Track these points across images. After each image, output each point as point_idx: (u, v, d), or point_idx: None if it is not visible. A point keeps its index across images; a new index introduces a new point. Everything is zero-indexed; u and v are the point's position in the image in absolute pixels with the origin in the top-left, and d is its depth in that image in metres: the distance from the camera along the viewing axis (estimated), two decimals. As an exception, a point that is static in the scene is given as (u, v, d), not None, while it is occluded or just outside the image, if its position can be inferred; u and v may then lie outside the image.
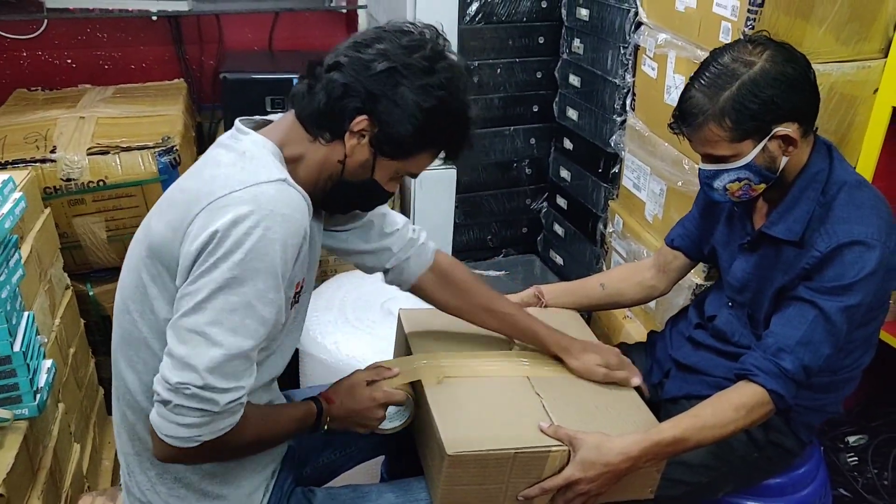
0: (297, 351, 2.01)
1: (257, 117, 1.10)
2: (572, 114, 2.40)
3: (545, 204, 2.73)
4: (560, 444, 1.10)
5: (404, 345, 1.33)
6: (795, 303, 1.16)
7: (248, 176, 0.95)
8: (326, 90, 1.00)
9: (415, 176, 1.10)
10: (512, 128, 2.59)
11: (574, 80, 2.37)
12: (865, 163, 1.55)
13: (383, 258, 1.26)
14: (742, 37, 1.42)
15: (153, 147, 1.95)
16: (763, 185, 1.20)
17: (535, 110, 2.58)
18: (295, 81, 2.31)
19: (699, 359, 1.37)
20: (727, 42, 1.45)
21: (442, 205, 2.45)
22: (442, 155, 1.09)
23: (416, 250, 1.28)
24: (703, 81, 1.15)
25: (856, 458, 1.73)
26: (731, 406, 1.15)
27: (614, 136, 2.12)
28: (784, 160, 1.18)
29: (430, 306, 1.33)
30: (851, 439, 1.77)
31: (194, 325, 0.92)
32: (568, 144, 2.47)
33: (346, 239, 1.24)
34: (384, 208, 1.26)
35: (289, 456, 1.19)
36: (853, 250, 1.12)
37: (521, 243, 2.84)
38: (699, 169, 1.23)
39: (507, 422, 1.13)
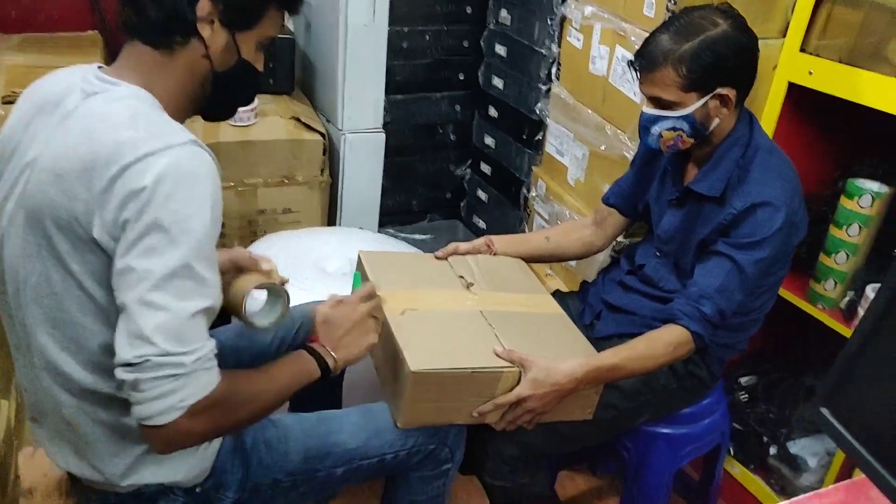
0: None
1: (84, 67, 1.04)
2: (497, 82, 2.50)
3: (468, 170, 2.84)
4: (511, 365, 1.22)
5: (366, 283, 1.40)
6: (714, 256, 1.32)
7: (157, 139, 0.91)
8: None
9: (273, 41, 1.09)
10: (438, 94, 2.67)
11: (500, 49, 2.46)
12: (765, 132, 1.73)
13: None
14: (666, 10, 1.57)
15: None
16: (692, 140, 1.34)
17: (461, 78, 2.66)
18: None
19: (629, 301, 1.52)
20: (650, 15, 1.58)
21: (370, 168, 2.49)
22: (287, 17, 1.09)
23: None
24: (671, 29, 1.28)
25: (747, 396, 1.94)
26: (661, 342, 1.30)
27: (539, 104, 2.24)
28: (716, 121, 1.32)
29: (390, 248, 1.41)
30: (743, 380, 1.98)
31: (137, 298, 0.88)
32: (493, 112, 2.58)
33: None
34: None
35: None
36: (764, 210, 1.28)
37: (445, 208, 2.94)
38: (641, 112, 1.36)
39: (463, 346, 1.24)
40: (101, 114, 0.95)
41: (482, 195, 2.73)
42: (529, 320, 1.37)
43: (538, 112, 2.25)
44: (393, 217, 2.80)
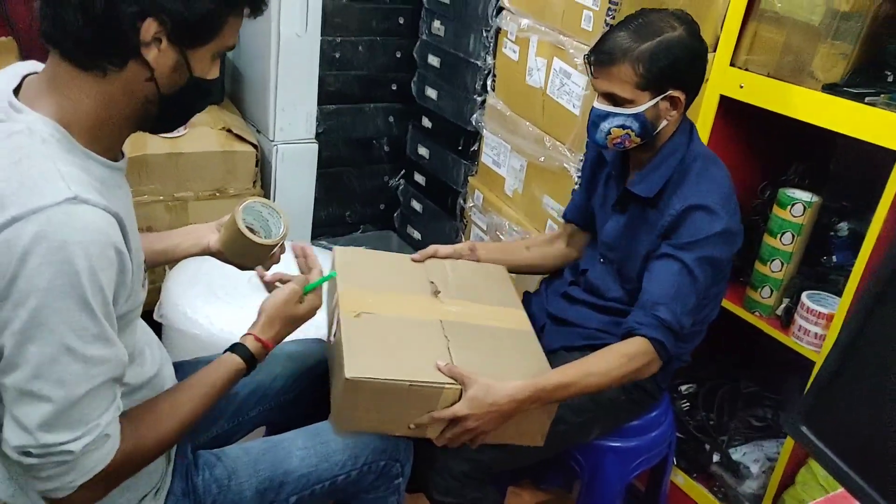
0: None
1: (21, 68, 0.89)
2: (431, 93, 2.47)
3: (402, 181, 2.79)
4: (454, 383, 1.17)
5: (333, 283, 1.34)
6: (659, 260, 1.32)
7: (27, 197, 0.77)
8: (82, 7, 0.79)
9: (233, 47, 0.94)
10: (371, 105, 2.62)
11: (433, 60, 2.43)
12: (699, 143, 1.77)
13: None
14: (604, 25, 1.57)
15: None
16: (639, 140, 1.34)
17: (394, 89, 2.62)
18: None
19: (574, 313, 1.51)
20: (588, 29, 1.58)
21: (303, 179, 2.43)
22: (247, 14, 0.92)
23: None
24: (629, 27, 1.29)
25: (688, 404, 1.97)
26: (615, 354, 1.25)
27: (475, 115, 2.22)
28: (663, 123, 1.33)
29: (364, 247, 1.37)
30: (683, 388, 2.00)
31: (15, 383, 0.80)
32: (427, 123, 2.55)
33: None
34: None
35: None
36: (702, 213, 1.29)
37: (378, 220, 2.88)
38: (592, 107, 1.35)
39: (409, 357, 1.19)
40: None
41: (416, 206, 2.70)
42: (490, 334, 1.33)
43: (474, 123, 2.23)
44: (326, 229, 2.73)
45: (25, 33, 2.33)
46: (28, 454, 0.82)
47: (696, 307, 1.31)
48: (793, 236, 1.66)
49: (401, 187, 2.80)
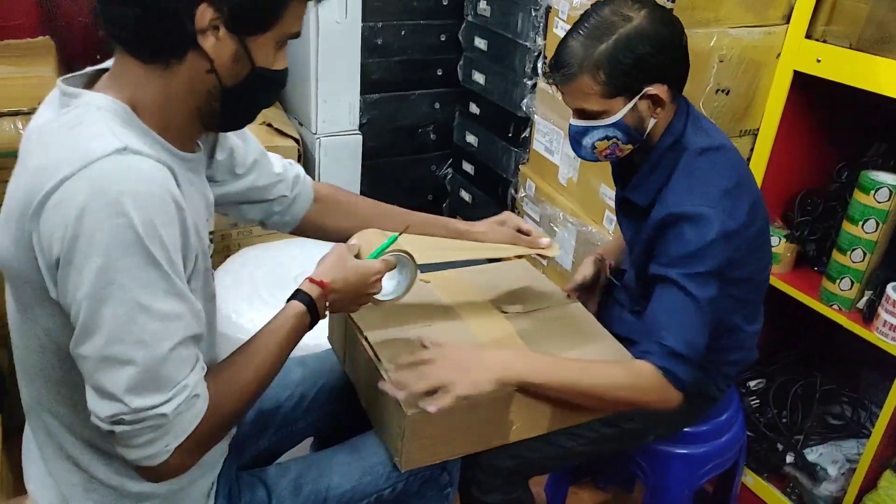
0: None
1: (88, 69, 0.88)
2: (479, 77, 2.38)
3: (450, 170, 2.71)
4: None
5: (342, 322, 1.26)
6: (658, 283, 1.16)
7: (77, 155, 0.75)
8: (137, 2, 0.78)
9: (298, 35, 0.89)
10: (416, 92, 2.54)
11: (480, 42, 2.34)
12: (769, 123, 1.63)
13: (276, 207, 1.15)
14: (666, -1, 1.45)
15: (29, 112, 1.73)
16: (630, 146, 1.21)
17: (440, 74, 2.54)
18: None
19: (622, 324, 1.40)
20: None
21: (348, 172, 2.37)
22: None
23: (300, 187, 1.17)
24: (581, 32, 1.14)
25: (757, 401, 1.85)
26: (621, 364, 1.15)
27: (525, 100, 2.12)
28: (652, 122, 1.19)
29: None
30: (752, 384, 1.89)
31: (94, 352, 0.77)
32: (474, 109, 2.45)
33: (230, 186, 1.09)
34: (260, 151, 1.13)
35: (231, 444, 1.11)
36: (687, 223, 1.12)
37: (427, 211, 2.78)
38: (570, 125, 1.23)
39: None
40: (40, 133, 0.82)
41: (465, 196, 2.61)
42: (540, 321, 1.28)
43: (524, 108, 2.13)
44: (373, 223, 2.66)
45: (66, 32, 2.32)
46: (121, 422, 0.79)
47: (704, 325, 1.13)
48: (877, 224, 1.52)
49: (449, 176, 2.72)
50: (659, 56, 1.12)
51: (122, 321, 0.76)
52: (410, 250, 1.10)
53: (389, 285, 1.12)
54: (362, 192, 2.44)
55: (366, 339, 1.16)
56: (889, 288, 1.49)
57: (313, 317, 0.98)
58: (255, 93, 0.89)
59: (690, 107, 1.25)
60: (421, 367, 1.05)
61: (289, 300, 0.98)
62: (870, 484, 1.63)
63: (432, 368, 1.04)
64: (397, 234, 1.12)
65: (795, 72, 1.55)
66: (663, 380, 1.10)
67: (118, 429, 0.80)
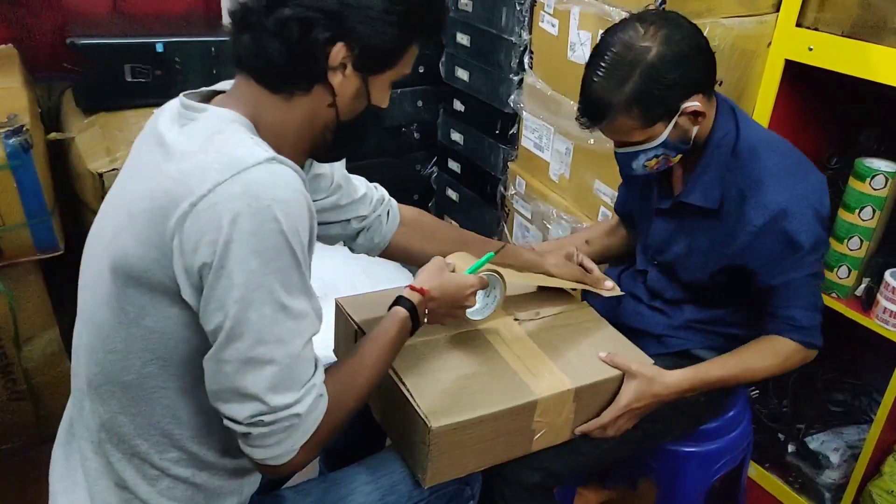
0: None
1: (204, 89, 0.93)
2: (462, 74, 2.34)
3: (435, 168, 2.67)
4: (551, 391, 1.11)
5: (349, 331, 1.23)
6: (784, 287, 1.21)
7: (228, 162, 0.79)
8: (281, 35, 0.83)
9: (407, 75, 0.97)
10: (397, 90, 2.49)
11: (462, 38, 2.30)
12: (761, 112, 1.62)
13: (355, 223, 1.19)
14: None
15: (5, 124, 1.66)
16: (679, 156, 1.22)
17: (421, 71, 2.49)
18: (159, 47, 2.07)
19: (640, 319, 1.40)
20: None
21: (333, 175, 2.32)
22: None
23: (383, 209, 1.22)
24: (601, 73, 1.13)
25: (757, 391, 1.85)
26: (771, 352, 1.23)
27: (512, 96, 2.09)
28: (695, 130, 1.19)
29: (372, 288, 1.27)
30: (751, 374, 1.89)
31: (239, 355, 0.80)
32: (459, 106, 2.42)
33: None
34: (344, 174, 1.17)
35: None
36: (794, 220, 1.15)
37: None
38: (615, 152, 1.24)
39: (480, 383, 1.11)
40: (169, 142, 0.85)
41: (453, 195, 2.58)
42: (555, 333, 1.26)
43: (511, 104, 2.10)
44: (359, 225, 2.62)
45: (30, 41, 2.22)
46: (259, 423, 0.82)
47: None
48: (873, 211, 1.52)
49: (434, 175, 2.68)
50: (687, 74, 1.13)
51: (267, 322, 0.80)
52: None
53: (480, 303, 1.17)
54: (347, 195, 2.40)
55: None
56: (887, 274, 1.49)
57: (415, 322, 1.02)
58: (365, 128, 0.95)
59: (722, 98, 1.25)
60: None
61: (392, 306, 1.03)
62: (873, 470, 1.63)
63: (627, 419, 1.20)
64: (493, 252, 1.18)
65: (787, 60, 1.54)
66: (805, 350, 1.23)
67: (256, 430, 0.83)
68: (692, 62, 1.13)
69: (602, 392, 1.18)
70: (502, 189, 2.24)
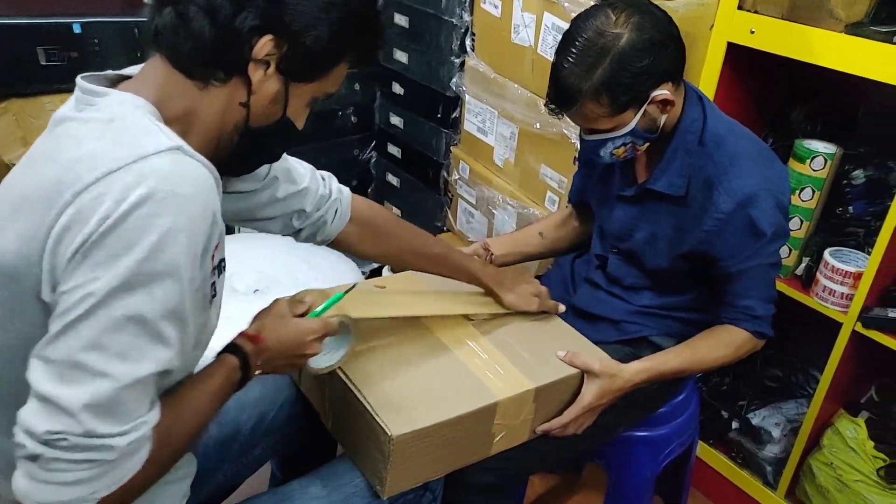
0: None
1: (109, 72, 0.83)
2: (401, 56, 2.28)
3: (374, 153, 2.61)
4: (511, 393, 1.07)
5: None
6: (743, 274, 1.21)
7: (127, 149, 0.70)
8: (209, 12, 0.76)
9: (332, 96, 0.90)
10: (333, 73, 2.40)
11: (400, 19, 2.23)
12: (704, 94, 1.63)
13: (295, 220, 1.10)
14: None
15: None
16: (647, 144, 1.21)
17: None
18: (76, 28, 1.92)
19: (600, 305, 1.38)
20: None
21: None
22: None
23: (330, 205, 1.12)
24: (571, 59, 1.10)
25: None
26: (723, 343, 1.24)
27: (454, 79, 2.04)
28: (663, 118, 1.19)
29: (315, 281, 1.19)
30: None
31: (66, 354, 0.68)
32: (398, 89, 2.35)
33: (247, 200, 1.04)
34: (287, 159, 1.08)
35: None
36: (759, 207, 1.15)
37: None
38: (582, 138, 1.22)
39: (437, 387, 1.06)
40: (65, 130, 0.77)
41: (393, 180, 2.52)
42: (512, 332, 1.22)
43: (453, 87, 2.05)
44: (297, 213, 2.53)
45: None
46: (58, 442, 0.68)
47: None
48: (813, 192, 1.55)
49: (373, 160, 2.61)
50: (657, 62, 1.10)
51: (112, 326, 0.68)
52: (376, 302, 1.08)
53: (326, 349, 1.04)
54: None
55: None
56: (826, 254, 1.53)
57: (245, 373, 0.90)
58: (274, 141, 0.87)
59: (689, 86, 1.24)
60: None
61: (221, 353, 0.90)
62: (812, 443, 1.68)
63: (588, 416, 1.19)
64: (342, 293, 1.04)
65: (729, 43, 1.54)
66: (756, 340, 1.25)
67: (49, 452, 0.68)
68: (663, 50, 1.11)
69: (561, 391, 1.16)
70: (445, 174, 2.20)
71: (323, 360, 1.03)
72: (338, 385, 1.04)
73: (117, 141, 0.72)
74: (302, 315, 0.99)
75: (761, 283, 1.23)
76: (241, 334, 0.93)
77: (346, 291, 1.05)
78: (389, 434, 0.94)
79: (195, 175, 0.73)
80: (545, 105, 1.18)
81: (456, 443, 1.04)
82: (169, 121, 0.78)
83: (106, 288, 0.67)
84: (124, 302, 0.68)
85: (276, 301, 1.00)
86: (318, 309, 1.00)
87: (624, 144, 1.18)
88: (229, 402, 0.90)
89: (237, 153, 0.84)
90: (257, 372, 0.93)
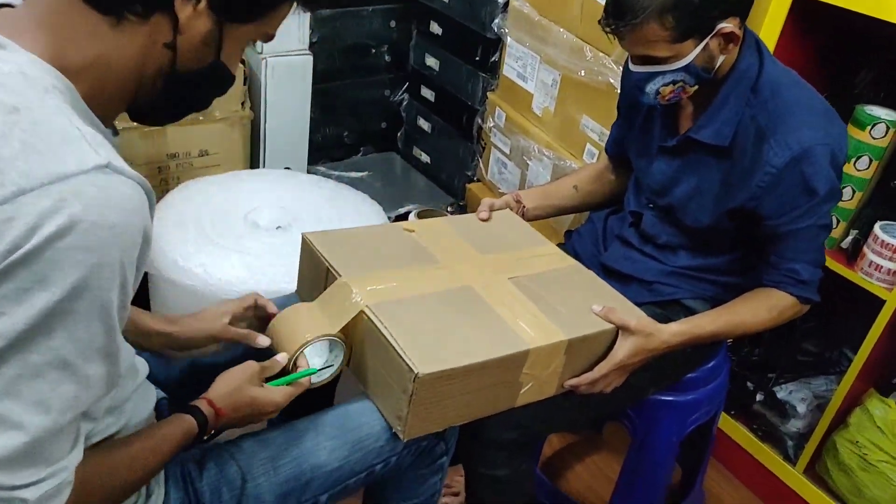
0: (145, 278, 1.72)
1: None
2: (440, -7, 2.18)
3: (406, 95, 2.53)
4: (543, 342, 1.03)
5: (318, 270, 1.12)
6: (793, 235, 1.15)
7: (41, 164, 0.59)
8: None
9: (271, 38, 0.79)
10: (370, 8, 2.31)
11: (442, -45, 2.13)
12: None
13: None
14: None
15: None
16: (696, 87, 1.13)
17: (395, -13, 2.32)
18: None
19: (631, 264, 1.33)
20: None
21: (297, 96, 2.16)
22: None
23: None
24: None
25: (731, 339, 1.83)
26: (765, 307, 1.18)
27: (496, 20, 1.95)
28: (721, 59, 1.10)
29: (339, 221, 1.14)
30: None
31: None
32: (436, 28, 2.26)
33: None
34: None
35: None
36: (814, 162, 1.08)
37: (379, 140, 2.63)
38: (630, 70, 1.13)
39: (468, 332, 1.02)
40: None
41: (424, 125, 2.45)
42: (547, 281, 1.17)
43: (494, 29, 1.96)
44: (323, 152, 2.48)
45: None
46: None
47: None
48: (870, 160, 1.46)
49: (405, 103, 2.53)
50: None
51: (31, 373, 0.60)
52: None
53: (319, 353, 1.01)
54: (312, 118, 2.26)
55: (363, 304, 1.02)
56: (877, 227, 1.45)
57: (202, 432, 0.85)
58: (203, 88, 0.77)
59: (749, 30, 1.15)
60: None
61: (182, 412, 0.85)
62: (839, 421, 1.64)
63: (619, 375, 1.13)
64: (315, 369, 1.00)
65: (795, -4, 1.44)
66: (800, 305, 1.20)
67: None
68: None
69: (593, 346, 1.11)
70: (479, 121, 2.12)
71: (316, 376, 1.00)
72: (363, 323, 1.00)
73: (29, 148, 0.59)
74: (272, 378, 0.93)
75: (810, 245, 1.16)
76: (207, 400, 0.87)
77: (321, 369, 1.01)
78: (415, 372, 0.90)
79: (125, 198, 0.61)
80: (599, 22, 1.09)
81: (482, 389, 1.00)
82: (76, 73, 0.66)
83: (18, 328, 0.58)
84: (41, 346, 0.59)
85: (247, 364, 0.92)
86: (283, 379, 0.95)
87: (674, 82, 1.10)
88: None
89: (161, 101, 0.73)
90: (213, 432, 0.88)
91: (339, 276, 1.06)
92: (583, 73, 1.65)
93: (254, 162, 2.18)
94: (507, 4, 1.91)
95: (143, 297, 1.73)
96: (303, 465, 0.96)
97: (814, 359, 1.79)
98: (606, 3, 1.07)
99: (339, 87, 2.42)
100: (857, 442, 1.59)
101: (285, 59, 2.06)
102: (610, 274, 1.33)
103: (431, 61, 2.32)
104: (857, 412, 1.62)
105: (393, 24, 2.37)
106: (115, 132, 0.75)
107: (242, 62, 1.94)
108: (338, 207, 1.87)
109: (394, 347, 0.94)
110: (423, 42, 2.35)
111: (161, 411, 0.94)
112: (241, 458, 0.94)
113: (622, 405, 1.33)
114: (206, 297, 1.51)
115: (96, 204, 0.59)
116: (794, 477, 1.68)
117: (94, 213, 0.58)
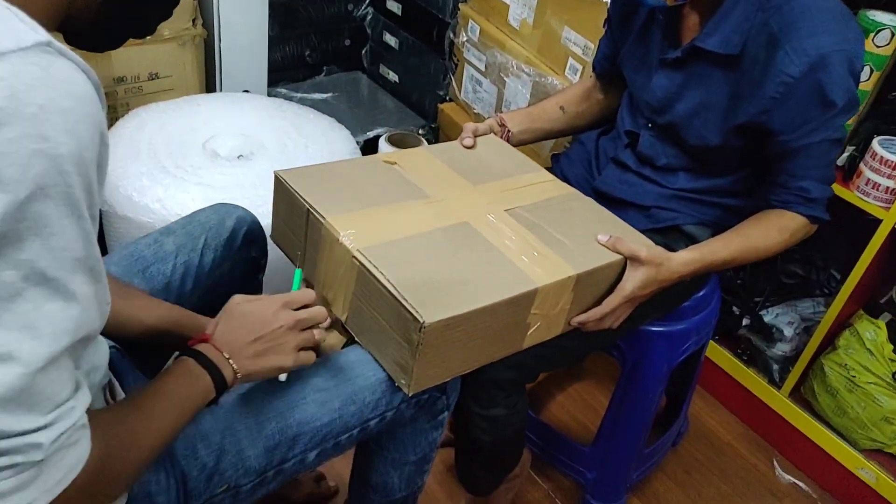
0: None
1: None
2: None
3: (370, 9, 2.35)
4: (551, 279, 0.96)
5: (297, 212, 1.01)
6: (805, 150, 1.06)
7: None
8: None
9: None
10: (329, -88, 2.11)
11: None
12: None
13: None
14: None
15: None
16: None
17: None
18: None
19: (627, 189, 1.24)
20: None
21: (253, 13, 1.98)
22: None
23: None
24: None
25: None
26: (776, 228, 1.12)
27: (467, -77, 1.78)
28: None
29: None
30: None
31: None
32: (401, -66, 2.08)
33: None
34: None
35: None
36: (831, 70, 0.99)
37: (344, 58, 2.47)
38: None
39: (470, 274, 0.93)
40: None
41: (391, 40, 2.28)
42: (546, 209, 1.09)
43: (466, -67, 1.80)
44: (284, 73, 2.32)
45: None
46: None
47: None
48: (871, 70, 1.37)
49: (369, 17, 2.36)
50: None
51: (6, 293, 0.51)
52: None
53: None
54: (271, 36, 2.08)
55: (354, 249, 0.92)
56: (874, 142, 1.38)
57: (217, 381, 0.78)
58: (148, 8, 0.69)
59: None
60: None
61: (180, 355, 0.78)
62: (826, 343, 1.61)
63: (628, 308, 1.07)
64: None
65: None
66: (810, 225, 1.14)
67: None
68: None
69: (601, 279, 1.03)
70: (451, 35, 1.97)
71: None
72: (355, 271, 0.90)
73: None
74: None
75: (822, 161, 1.08)
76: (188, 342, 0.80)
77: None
78: (421, 321, 0.82)
79: (73, 83, 0.52)
80: None
81: (490, 334, 0.93)
82: None
83: None
84: (11, 259, 0.51)
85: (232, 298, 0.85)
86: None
87: None
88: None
89: (99, 23, 0.64)
90: (238, 376, 0.79)
91: (323, 217, 0.95)
92: (565, -20, 1.52)
93: (209, 85, 2.02)
94: None
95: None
96: (289, 418, 0.88)
97: (800, 281, 1.75)
98: None
99: (298, 1, 2.23)
100: (846, 364, 1.57)
101: (237, -29, 1.88)
102: (604, 199, 1.24)
103: (398, -29, 2.15)
104: (845, 334, 1.59)
105: (354, -71, 2.18)
106: None
107: (189, -27, 1.76)
108: (304, 133, 1.75)
109: (394, 295, 0.85)
110: (388, -51, 2.17)
111: (113, 362, 0.84)
112: (219, 411, 0.85)
113: (619, 337, 1.27)
114: (162, 234, 1.40)
115: (41, 85, 0.50)
116: (778, 400, 1.66)
117: (40, 96, 0.50)
